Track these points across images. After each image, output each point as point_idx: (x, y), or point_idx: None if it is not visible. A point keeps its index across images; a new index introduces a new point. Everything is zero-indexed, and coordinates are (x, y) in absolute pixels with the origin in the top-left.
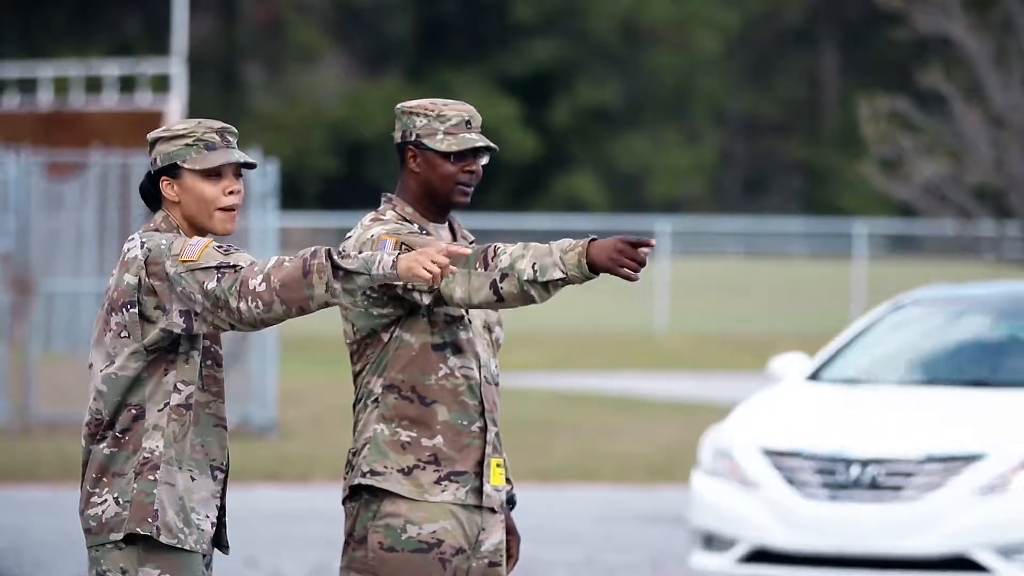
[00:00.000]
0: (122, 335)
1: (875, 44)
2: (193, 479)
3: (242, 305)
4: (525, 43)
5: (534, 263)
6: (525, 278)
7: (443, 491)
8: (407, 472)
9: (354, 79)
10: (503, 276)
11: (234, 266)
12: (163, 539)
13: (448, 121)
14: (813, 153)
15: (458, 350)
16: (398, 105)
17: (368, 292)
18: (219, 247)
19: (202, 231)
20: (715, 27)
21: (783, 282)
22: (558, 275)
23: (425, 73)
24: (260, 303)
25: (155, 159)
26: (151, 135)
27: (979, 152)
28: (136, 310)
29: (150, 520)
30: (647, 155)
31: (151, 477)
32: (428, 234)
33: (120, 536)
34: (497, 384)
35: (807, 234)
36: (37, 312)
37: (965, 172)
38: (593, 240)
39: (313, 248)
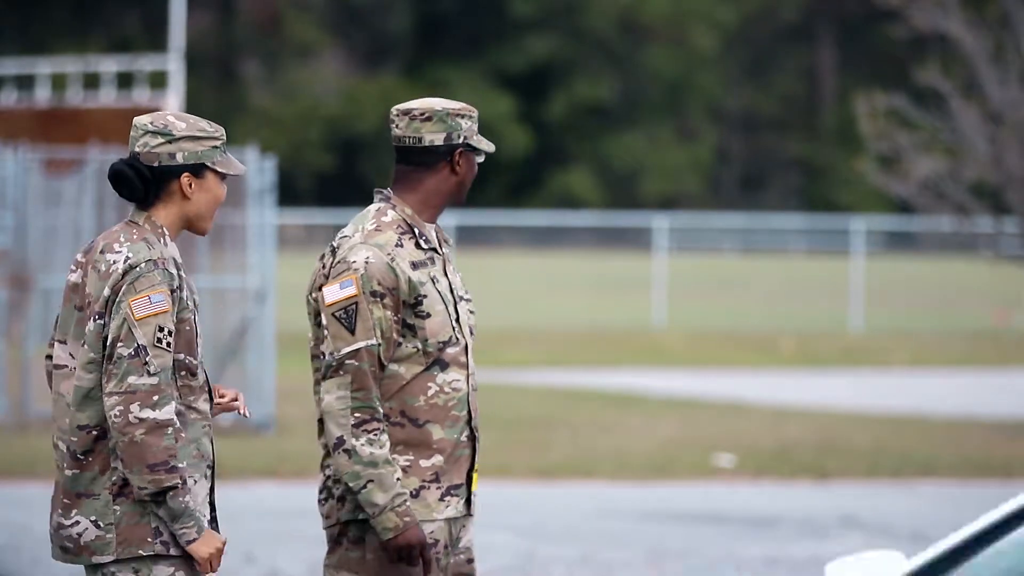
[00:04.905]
0: (83, 344)
1: (873, 41)
2: (196, 481)
3: (110, 400)
4: (523, 39)
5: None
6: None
7: (447, 507)
8: (415, 495)
9: (351, 75)
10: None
11: (147, 363)
12: (175, 552)
13: (478, 123)
14: (811, 150)
15: (445, 365)
16: (436, 106)
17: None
18: (162, 329)
19: (195, 230)
20: (712, 24)
21: (781, 278)
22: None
23: (422, 69)
24: (116, 414)
25: (173, 154)
26: (155, 125)
27: (976, 149)
28: (102, 322)
29: (150, 540)
30: (643, 152)
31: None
32: (426, 240)
33: (109, 559)
34: (476, 389)
35: (805, 230)
36: (34, 308)
37: (963, 169)
38: None
39: (177, 469)
